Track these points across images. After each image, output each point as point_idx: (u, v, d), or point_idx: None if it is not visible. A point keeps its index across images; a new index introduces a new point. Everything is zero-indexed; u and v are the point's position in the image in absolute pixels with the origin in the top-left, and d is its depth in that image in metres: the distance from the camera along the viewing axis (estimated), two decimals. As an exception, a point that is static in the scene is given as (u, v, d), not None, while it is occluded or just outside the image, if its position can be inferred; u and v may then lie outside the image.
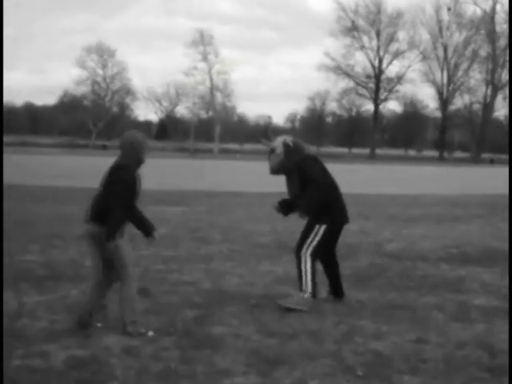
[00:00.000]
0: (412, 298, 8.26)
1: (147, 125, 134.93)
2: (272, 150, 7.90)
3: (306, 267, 7.71)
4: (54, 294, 7.97)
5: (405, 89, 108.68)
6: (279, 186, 30.13)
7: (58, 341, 6.16)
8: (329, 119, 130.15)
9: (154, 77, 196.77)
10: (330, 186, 7.89)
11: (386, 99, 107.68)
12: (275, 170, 7.96)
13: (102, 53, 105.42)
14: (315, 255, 7.78)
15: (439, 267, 10.55)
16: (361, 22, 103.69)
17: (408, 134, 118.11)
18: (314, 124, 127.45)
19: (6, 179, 27.81)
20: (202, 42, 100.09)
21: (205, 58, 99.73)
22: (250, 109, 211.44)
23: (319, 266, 8.04)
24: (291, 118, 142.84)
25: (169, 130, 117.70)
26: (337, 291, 8.17)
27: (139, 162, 6.59)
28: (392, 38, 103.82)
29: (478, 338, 6.58)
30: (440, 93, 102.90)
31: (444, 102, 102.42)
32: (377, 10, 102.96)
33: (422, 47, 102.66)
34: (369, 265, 10.60)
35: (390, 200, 24.23)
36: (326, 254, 8.06)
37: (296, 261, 7.87)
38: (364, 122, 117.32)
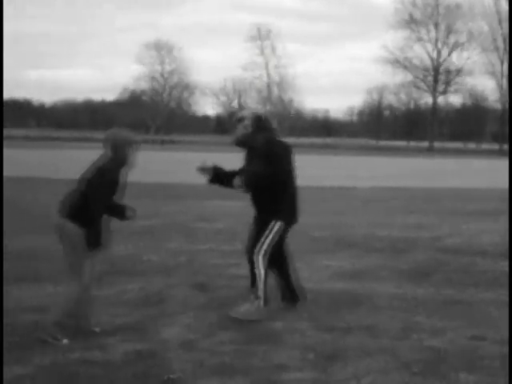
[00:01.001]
0: (470, 294, 8.17)
1: (205, 119, 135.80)
2: (240, 119, 7.13)
3: (259, 271, 7.01)
4: (113, 288, 8.10)
5: (464, 81, 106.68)
6: (336, 179, 29.86)
7: (117, 334, 6.27)
8: (387, 112, 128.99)
9: (212, 72, 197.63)
10: (289, 178, 7.12)
11: (444, 92, 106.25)
12: (239, 142, 7.11)
13: (161, 49, 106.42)
14: (267, 256, 7.04)
15: (498, 263, 10.39)
16: (419, 15, 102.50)
17: (467, 126, 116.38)
18: (372, 117, 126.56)
19: (67, 174, 28.31)
20: (260, 36, 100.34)
21: (262, 53, 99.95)
22: (308, 102, 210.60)
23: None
24: (349, 112, 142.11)
25: (226, 124, 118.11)
26: (294, 295, 7.42)
27: (123, 163, 6.36)
28: (450, 30, 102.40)
29: (537, 335, 6.49)
30: (500, 85, 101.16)
31: (504, 94, 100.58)
32: (435, 1, 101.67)
33: (480, 39, 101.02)
34: (426, 260, 10.50)
35: (448, 194, 23.94)
36: (276, 256, 7.23)
37: (249, 264, 7.17)
38: (422, 115, 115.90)
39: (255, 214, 7.24)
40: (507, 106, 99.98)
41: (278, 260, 7.28)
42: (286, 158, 7.06)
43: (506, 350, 6.03)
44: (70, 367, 5.39)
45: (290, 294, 7.38)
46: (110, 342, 6.07)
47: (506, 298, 7.95)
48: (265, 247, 7.00)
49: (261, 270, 6.99)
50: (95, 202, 6.21)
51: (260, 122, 7.05)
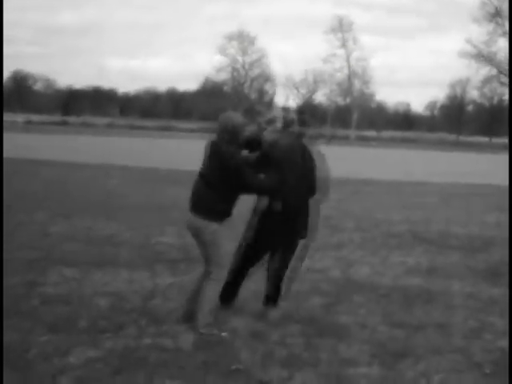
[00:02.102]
0: (547, 296, 7.97)
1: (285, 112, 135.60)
2: (271, 121, 6.76)
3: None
4: (187, 275, 8.18)
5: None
6: (416, 174, 29.36)
7: (189, 322, 6.34)
8: (469, 107, 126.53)
9: (293, 64, 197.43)
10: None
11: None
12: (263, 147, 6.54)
13: (243, 40, 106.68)
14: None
15: None
16: (505, 8, 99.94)
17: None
18: (454, 112, 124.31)
19: (148, 163, 28.76)
20: (341, 28, 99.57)
21: (343, 45, 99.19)
22: (389, 96, 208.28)
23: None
24: (430, 106, 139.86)
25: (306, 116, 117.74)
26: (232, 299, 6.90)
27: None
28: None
29: None
30: None
31: None
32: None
33: None
34: (503, 259, 10.27)
35: (531, 192, 23.34)
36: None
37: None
38: (506, 111, 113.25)
39: None
40: None
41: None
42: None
43: None
44: (141, 352, 5.48)
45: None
46: (181, 329, 6.14)
47: None
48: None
49: None
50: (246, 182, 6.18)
51: (293, 123, 6.76)
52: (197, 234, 6.34)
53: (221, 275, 6.26)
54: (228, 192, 6.20)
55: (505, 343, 6.08)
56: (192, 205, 6.42)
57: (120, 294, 7.22)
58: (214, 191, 6.18)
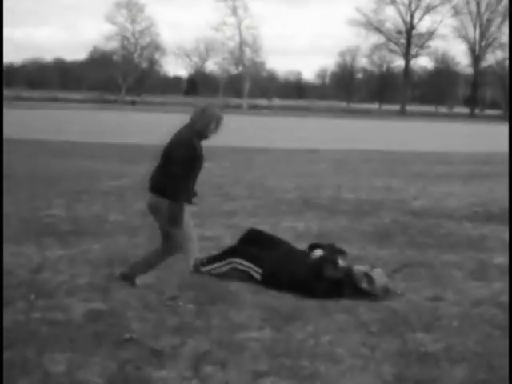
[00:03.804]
0: (432, 256, 8.26)
1: (177, 80, 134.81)
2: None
3: None
4: (77, 248, 8.08)
5: (436, 44, 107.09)
6: (307, 142, 29.81)
7: (78, 294, 6.27)
8: (359, 75, 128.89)
9: (184, 32, 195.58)
10: None
11: (417, 55, 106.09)
12: None
13: (131, 7, 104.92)
14: None
15: (462, 225, 10.52)
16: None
17: (439, 90, 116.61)
18: (345, 80, 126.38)
19: (35, 134, 28.07)
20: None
21: (234, 13, 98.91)
22: (280, 64, 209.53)
23: None
24: (321, 74, 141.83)
25: (198, 85, 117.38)
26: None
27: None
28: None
29: (495, 296, 6.59)
30: (472, 49, 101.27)
31: (476, 59, 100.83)
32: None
33: (454, 1, 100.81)
34: (391, 222, 10.59)
35: (417, 157, 24.10)
36: None
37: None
38: (395, 78, 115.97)
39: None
40: (478, 70, 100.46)
41: None
42: None
43: (463, 310, 6.13)
44: (31, 326, 5.39)
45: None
46: (71, 301, 6.06)
47: (468, 260, 8.06)
48: None
49: None
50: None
51: None
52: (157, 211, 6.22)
53: (190, 250, 6.18)
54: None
55: (391, 303, 6.28)
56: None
57: (7, 268, 7.05)
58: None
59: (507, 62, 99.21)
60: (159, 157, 6.27)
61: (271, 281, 6.68)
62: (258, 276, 6.76)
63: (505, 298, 6.50)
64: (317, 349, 5.11)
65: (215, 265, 7.11)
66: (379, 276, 6.53)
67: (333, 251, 7.07)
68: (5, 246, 7.99)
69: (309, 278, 6.51)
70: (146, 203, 6.38)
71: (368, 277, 6.49)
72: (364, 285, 6.49)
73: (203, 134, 6.12)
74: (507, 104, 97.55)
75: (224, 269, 7.05)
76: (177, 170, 5.99)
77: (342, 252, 7.19)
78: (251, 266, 6.88)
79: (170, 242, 6.30)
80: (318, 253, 6.95)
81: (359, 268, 6.65)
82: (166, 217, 6.09)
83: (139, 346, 5.08)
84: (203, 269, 7.10)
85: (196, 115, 6.15)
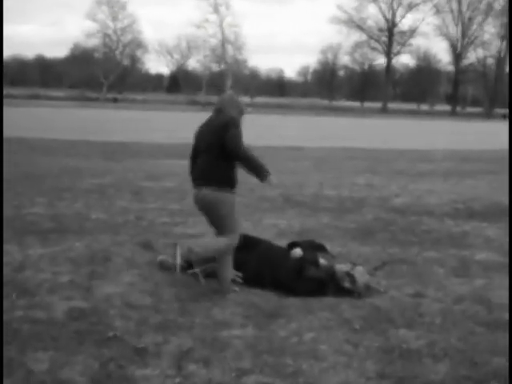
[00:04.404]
0: (414, 253, 8.30)
1: (158, 78, 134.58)
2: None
3: None
4: (58, 246, 8.04)
5: (418, 42, 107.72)
6: (290, 139, 29.78)
7: (60, 292, 6.24)
8: (341, 73, 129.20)
9: (166, 29, 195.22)
10: None
11: (398, 53, 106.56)
12: None
13: (113, 5, 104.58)
14: None
15: (444, 222, 10.57)
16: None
17: (421, 88, 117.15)
18: (326, 77, 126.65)
19: (16, 132, 27.91)
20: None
21: (216, 10, 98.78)
22: (262, 62, 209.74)
23: None
24: (303, 72, 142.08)
25: (180, 82, 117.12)
26: None
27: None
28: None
29: (477, 292, 6.63)
30: (453, 47, 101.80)
31: (457, 56, 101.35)
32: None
33: (435, 0, 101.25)
34: (373, 219, 10.62)
35: (399, 155, 24.19)
36: None
37: None
38: (376, 76, 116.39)
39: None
40: (460, 68, 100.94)
41: None
42: None
43: (445, 306, 6.16)
44: (13, 325, 5.35)
45: None
46: (53, 299, 6.03)
47: (450, 257, 8.11)
48: None
49: None
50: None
51: None
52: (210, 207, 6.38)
53: (234, 239, 6.40)
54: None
55: (373, 299, 6.30)
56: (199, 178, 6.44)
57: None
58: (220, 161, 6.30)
59: (488, 60, 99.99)
60: (198, 152, 6.46)
61: (254, 280, 6.67)
62: (239, 280, 6.74)
63: (487, 295, 6.54)
64: (300, 346, 5.11)
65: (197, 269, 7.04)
66: (361, 274, 6.54)
67: (312, 248, 7.07)
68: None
69: (290, 278, 6.52)
70: (194, 199, 6.52)
71: (350, 276, 6.50)
72: (346, 284, 6.50)
73: (238, 118, 6.41)
74: (488, 102, 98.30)
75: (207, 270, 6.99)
76: (237, 151, 6.16)
77: (321, 248, 7.20)
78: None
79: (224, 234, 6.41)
80: (298, 252, 6.95)
81: (341, 267, 6.66)
82: (221, 208, 6.27)
83: (122, 344, 5.06)
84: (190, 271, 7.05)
85: (225, 103, 6.43)
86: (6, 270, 6.92)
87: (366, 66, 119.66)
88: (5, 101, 72.16)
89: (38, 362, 4.68)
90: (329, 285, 6.48)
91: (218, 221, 6.42)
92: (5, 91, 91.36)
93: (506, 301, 6.29)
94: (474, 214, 11.36)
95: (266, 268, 6.67)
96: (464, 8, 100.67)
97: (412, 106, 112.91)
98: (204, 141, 6.43)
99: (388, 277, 7.09)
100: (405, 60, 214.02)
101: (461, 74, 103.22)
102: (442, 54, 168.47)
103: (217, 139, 6.25)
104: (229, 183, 6.39)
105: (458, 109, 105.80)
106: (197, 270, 6.85)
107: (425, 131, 46.48)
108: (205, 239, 6.54)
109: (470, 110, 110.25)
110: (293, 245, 7.16)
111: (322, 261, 6.74)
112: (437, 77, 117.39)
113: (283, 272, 6.57)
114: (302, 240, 7.44)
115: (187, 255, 6.49)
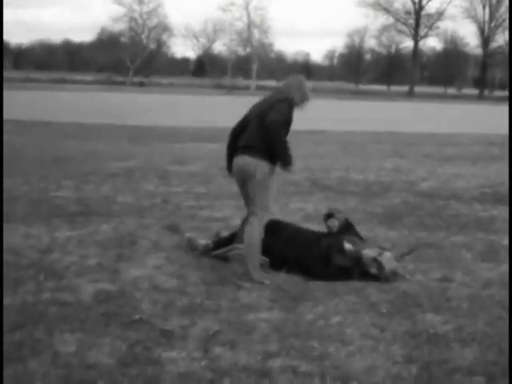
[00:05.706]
0: (441, 237, 8.24)
1: (184, 62, 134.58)
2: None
3: None
4: (85, 229, 8.09)
5: (445, 25, 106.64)
6: (313, 123, 29.66)
7: (87, 275, 6.28)
8: (367, 56, 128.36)
9: (192, 13, 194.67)
10: None
11: (425, 36, 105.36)
12: None
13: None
14: None
15: (471, 207, 10.49)
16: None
17: (448, 71, 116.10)
18: (353, 61, 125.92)
19: (43, 116, 28.07)
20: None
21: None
22: (288, 45, 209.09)
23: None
24: (329, 55, 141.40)
25: (206, 66, 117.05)
26: None
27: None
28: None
29: (504, 277, 6.57)
30: (481, 29, 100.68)
31: (485, 39, 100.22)
32: None
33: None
34: (400, 203, 10.56)
35: (426, 138, 24.02)
36: None
37: None
38: (403, 59, 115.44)
39: None
40: (488, 51, 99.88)
41: None
42: None
43: (473, 291, 6.11)
44: (40, 307, 5.39)
45: None
46: (80, 282, 6.07)
47: (478, 242, 8.04)
48: None
49: None
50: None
51: None
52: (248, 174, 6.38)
53: (263, 217, 6.41)
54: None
55: (400, 283, 6.27)
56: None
57: (16, 249, 7.06)
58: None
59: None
60: (246, 123, 6.60)
61: (280, 263, 6.65)
62: (266, 264, 6.71)
63: (515, 280, 6.48)
64: (326, 330, 5.10)
65: (222, 250, 7.04)
66: (388, 261, 6.48)
67: (342, 228, 6.94)
68: (14, 227, 8.02)
69: (317, 265, 6.49)
70: (234, 167, 6.56)
71: (377, 262, 6.46)
72: (373, 269, 6.45)
73: (299, 102, 6.70)
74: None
75: (230, 254, 6.97)
76: (272, 125, 6.25)
77: (350, 227, 7.05)
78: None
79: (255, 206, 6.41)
80: (334, 223, 6.87)
81: (368, 252, 6.59)
82: (256, 175, 6.30)
83: (148, 326, 5.07)
84: (212, 253, 7.05)
85: (291, 85, 6.64)
86: (32, 253, 6.98)
87: (393, 50, 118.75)
88: (32, 85, 72.66)
89: (66, 344, 4.71)
90: (354, 270, 6.45)
91: (253, 189, 6.36)
92: (32, 75, 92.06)
93: (535, 286, 6.23)
94: (502, 198, 11.25)
95: (292, 252, 6.65)
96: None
97: (439, 90, 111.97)
98: (256, 112, 6.50)
99: (415, 261, 7.05)
100: (432, 43, 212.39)
101: (489, 58, 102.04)
102: (469, 37, 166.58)
103: (269, 111, 6.27)
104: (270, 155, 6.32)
105: (486, 92, 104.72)
106: (221, 251, 6.87)
107: (452, 115, 46.10)
108: (244, 241, 6.40)
109: (497, 93, 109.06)
110: (329, 215, 7.06)
111: (347, 246, 6.67)
112: (464, 60, 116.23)
113: (309, 258, 6.54)
114: (339, 214, 7.22)
115: (245, 267, 6.41)
